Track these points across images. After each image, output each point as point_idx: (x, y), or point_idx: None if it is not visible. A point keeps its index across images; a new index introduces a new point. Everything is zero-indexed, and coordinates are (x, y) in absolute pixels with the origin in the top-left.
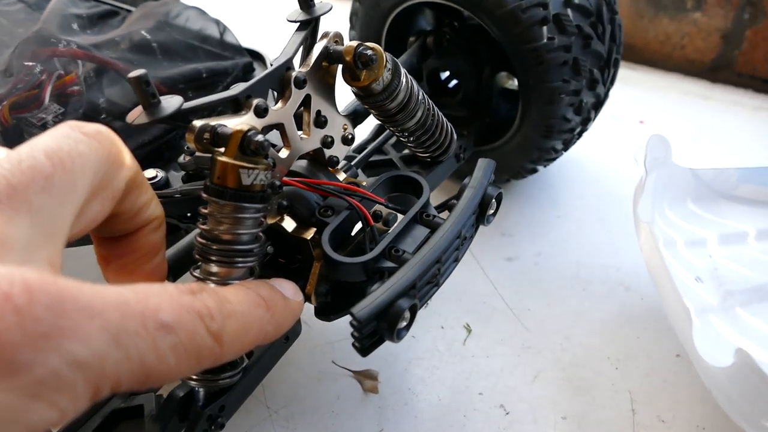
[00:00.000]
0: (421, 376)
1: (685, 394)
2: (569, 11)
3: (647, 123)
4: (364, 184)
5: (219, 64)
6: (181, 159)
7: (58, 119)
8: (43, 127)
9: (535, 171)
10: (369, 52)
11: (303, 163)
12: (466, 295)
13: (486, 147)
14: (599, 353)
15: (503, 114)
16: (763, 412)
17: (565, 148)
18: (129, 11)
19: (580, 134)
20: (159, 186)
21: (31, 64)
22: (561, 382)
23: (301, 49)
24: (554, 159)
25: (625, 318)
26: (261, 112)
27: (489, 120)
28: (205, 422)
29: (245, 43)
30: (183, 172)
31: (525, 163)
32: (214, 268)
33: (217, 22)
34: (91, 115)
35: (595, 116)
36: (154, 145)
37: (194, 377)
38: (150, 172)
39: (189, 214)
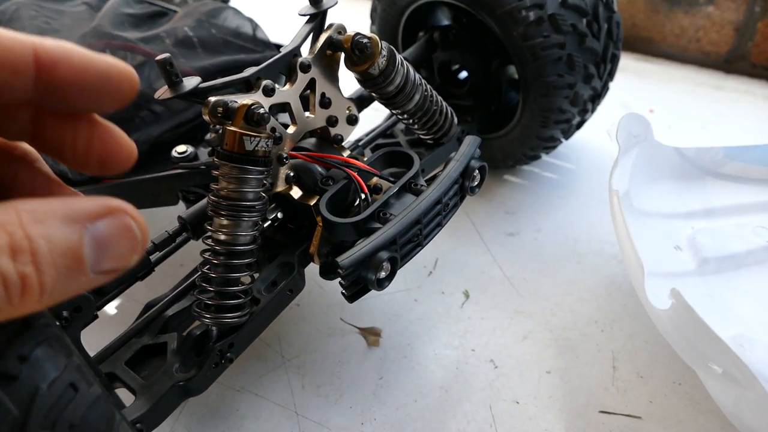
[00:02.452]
0: (419, 334)
1: (664, 353)
2: (564, 11)
3: (657, 111)
4: (364, 159)
5: (250, 57)
6: (207, 136)
7: None
8: None
9: (537, 158)
10: (364, 40)
11: (311, 140)
12: (468, 266)
13: (493, 135)
14: (587, 318)
15: (512, 103)
16: (704, 353)
17: (566, 137)
18: (174, 11)
19: (579, 125)
20: (188, 159)
21: None
22: (548, 342)
23: (309, 39)
24: (554, 147)
25: (615, 287)
26: (268, 91)
27: (494, 109)
28: (216, 356)
29: (274, 39)
30: (209, 148)
31: (526, 150)
32: (224, 221)
33: (250, 20)
34: (138, 100)
35: (594, 107)
36: (188, 126)
37: (207, 316)
38: (181, 148)
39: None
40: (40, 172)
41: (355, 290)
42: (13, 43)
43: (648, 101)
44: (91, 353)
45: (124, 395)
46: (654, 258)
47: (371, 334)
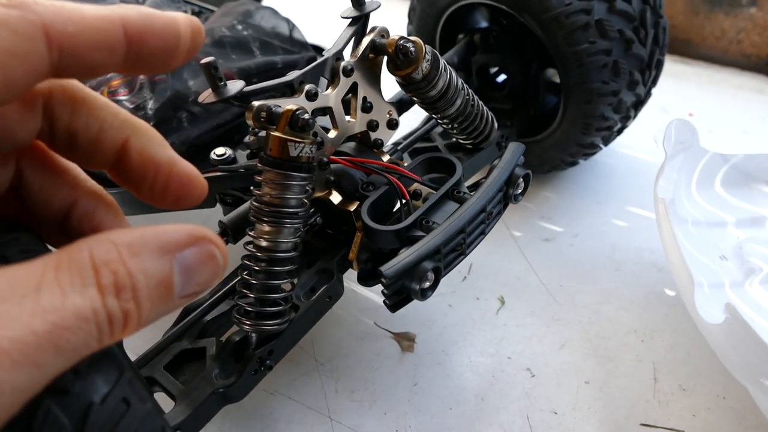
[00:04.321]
0: (454, 340)
1: (707, 365)
2: (612, 16)
3: (697, 115)
4: (405, 164)
5: (287, 58)
6: (246, 139)
7: (148, 102)
8: (137, 108)
9: (575, 164)
10: (409, 44)
11: (351, 144)
12: (503, 271)
13: (530, 139)
14: (626, 327)
15: (549, 107)
16: (758, 368)
17: (605, 144)
18: (212, 11)
19: (620, 131)
20: (227, 162)
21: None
22: (587, 351)
23: (351, 42)
24: (593, 154)
25: (655, 296)
26: (311, 95)
27: (533, 113)
28: (256, 363)
29: (311, 39)
30: (248, 150)
31: (565, 156)
32: (266, 228)
33: (287, 21)
34: (176, 101)
35: (636, 114)
36: (226, 128)
37: (247, 323)
38: (220, 150)
39: (252, 188)
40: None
41: (397, 300)
42: (104, 23)
43: (687, 105)
44: (132, 357)
45: (163, 401)
46: (699, 268)
47: (405, 340)
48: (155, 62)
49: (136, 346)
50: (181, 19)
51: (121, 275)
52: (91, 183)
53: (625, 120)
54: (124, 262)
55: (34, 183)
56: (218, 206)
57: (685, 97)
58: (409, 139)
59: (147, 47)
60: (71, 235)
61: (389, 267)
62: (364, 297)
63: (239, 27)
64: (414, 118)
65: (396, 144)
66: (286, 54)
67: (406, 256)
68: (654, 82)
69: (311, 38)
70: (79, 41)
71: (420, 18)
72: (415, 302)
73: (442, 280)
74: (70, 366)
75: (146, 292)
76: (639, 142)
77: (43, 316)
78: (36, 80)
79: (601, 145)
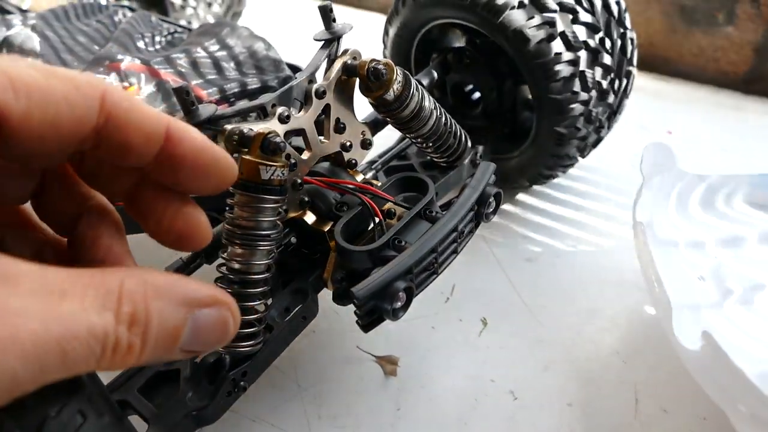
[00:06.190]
0: (437, 363)
1: (689, 387)
2: (576, 27)
3: (675, 133)
4: (378, 184)
5: (263, 78)
6: None
7: None
8: None
9: (552, 177)
10: (380, 66)
11: (325, 164)
12: (485, 292)
13: (507, 155)
14: (608, 348)
15: (527, 124)
16: (734, 395)
17: (582, 155)
18: (190, 30)
19: (595, 143)
20: None
21: (99, 77)
22: (570, 373)
23: (324, 64)
24: (570, 166)
25: (636, 316)
26: (284, 118)
27: (507, 130)
28: (230, 384)
29: (287, 59)
30: None
31: (542, 170)
32: (238, 250)
33: (263, 40)
34: None
35: (610, 125)
36: None
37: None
38: None
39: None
40: (108, 229)
41: (370, 320)
42: (152, 115)
43: (666, 122)
44: (105, 381)
45: (138, 423)
46: (678, 289)
47: (388, 363)
48: (181, 174)
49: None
50: (219, 150)
51: (139, 311)
52: (100, 197)
53: (599, 131)
54: (147, 300)
55: (53, 192)
56: None
57: (664, 115)
58: (384, 158)
59: (179, 154)
60: (75, 240)
61: (361, 288)
62: (346, 320)
63: (215, 47)
64: (390, 135)
65: (371, 162)
66: (262, 74)
67: (377, 276)
68: (626, 93)
69: (288, 57)
70: (126, 117)
71: (394, 41)
72: (398, 324)
73: (425, 302)
74: (64, 376)
75: (154, 334)
76: (617, 159)
77: (60, 321)
78: (78, 135)
79: (578, 157)
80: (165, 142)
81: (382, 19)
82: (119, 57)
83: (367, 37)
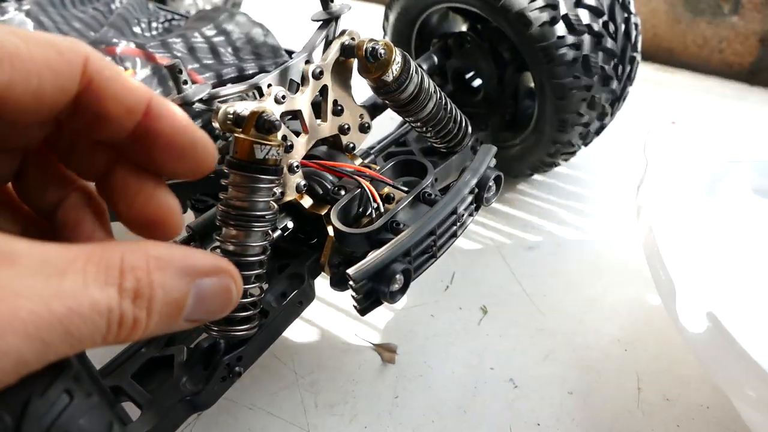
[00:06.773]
0: (436, 351)
1: (691, 375)
2: (579, 11)
3: (679, 124)
4: (377, 168)
5: (261, 63)
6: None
7: None
8: None
9: (554, 165)
10: (378, 47)
11: (323, 148)
12: (486, 280)
13: (508, 143)
14: (609, 336)
15: (528, 111)
16: (741, 379)
17: (585, 143)
18: (186, 17)
19: (598, 131)
20: None
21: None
22: (571, 362)
23: (322, 45)
24: (572, 154)
25: (638, 304)
26: (279, 99)
27: (509, 117)
28: (224, 369)
29: (286, 45)
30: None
31: (544, 157)
32: (233, 231)
33: (261, 26)
34: None
35: (613, 112)
36: None
37: (215, 328)
38: None
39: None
40: (87, 208)
41: (367, 303)
42: (134, 87)
43: (670, 112)
44: (98, 366)
45: (131, 410)
46: (681, 275)
47: (387, 351)
48: (156, 152)
49: (102, 354)
50: (200, 132)
51: (143, 284)
52: (82, 182)
53: (602, 117)
54: (149, 272)
55: (34, 174)
56: (190, 212)
57: (668, 105)
58: (382, 143)
59: (158, 130)
60: (56, 224)
61: (357, 269)
62: (345, 308)
63: (212, 32)
64: (389, 124)
65: (370, 148)
66: (260, 60)
67: (374, 258)
68: (630, 79)
69: (286, 44)
70: (107, 86)
71: (394, 27)
72: (397, 312)
73: (425, 290)
74: (71, 354)
75: (159, 307)
76: (620, 149)
77: (62, 299)
78: (61, 102)
79: (580, 144)
80: (144, 116)
81: (383, 10)
82: (114, 41)
83: (368, 31)
